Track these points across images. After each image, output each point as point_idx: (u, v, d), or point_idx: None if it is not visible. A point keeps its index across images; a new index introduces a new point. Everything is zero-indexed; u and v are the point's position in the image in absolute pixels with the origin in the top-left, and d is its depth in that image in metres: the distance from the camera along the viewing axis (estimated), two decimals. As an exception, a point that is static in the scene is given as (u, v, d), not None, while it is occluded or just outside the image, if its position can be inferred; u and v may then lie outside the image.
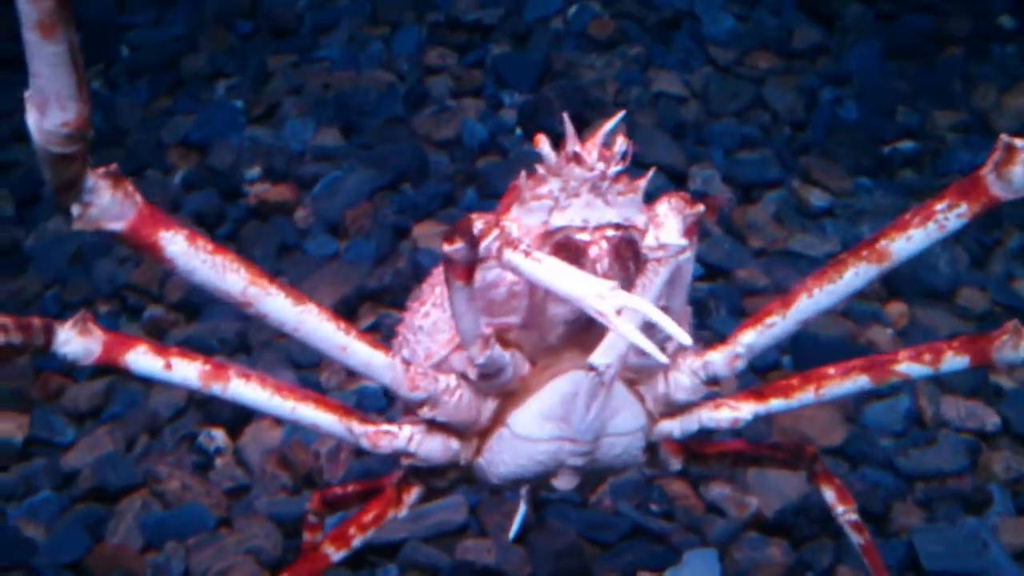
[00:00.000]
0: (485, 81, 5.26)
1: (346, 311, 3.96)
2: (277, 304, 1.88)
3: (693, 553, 3.06)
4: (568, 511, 3.19)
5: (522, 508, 2.90)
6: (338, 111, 5.05)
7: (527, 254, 1.76)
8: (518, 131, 5.00)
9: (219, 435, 3.47)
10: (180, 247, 1.78)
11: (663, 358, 1.77)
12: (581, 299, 1.73)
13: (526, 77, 5.26)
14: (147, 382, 3.09)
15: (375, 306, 3.99)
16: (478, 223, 1.79)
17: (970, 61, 5.33)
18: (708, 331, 3.74)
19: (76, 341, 1.92)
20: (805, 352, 3.66)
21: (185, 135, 4.97)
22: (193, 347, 3.79)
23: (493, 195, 4.48)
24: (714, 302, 3.93)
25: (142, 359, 1.96)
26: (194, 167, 4.81)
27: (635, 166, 4.82)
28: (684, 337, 1.74)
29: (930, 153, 4.82)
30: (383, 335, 3.80)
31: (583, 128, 4.90)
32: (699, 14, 5.60)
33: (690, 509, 3.23)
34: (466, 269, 1.87)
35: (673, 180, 4.60)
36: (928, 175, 4.72)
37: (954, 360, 2.17)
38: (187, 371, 1.97)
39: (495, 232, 1.78)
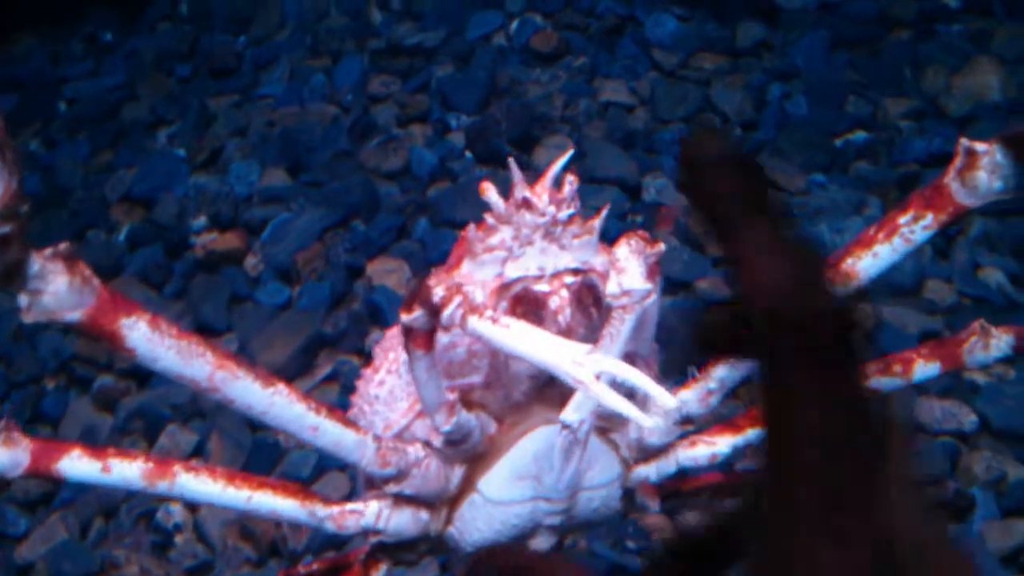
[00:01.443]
0: (431, 105, 5.17)
1: (303, 361, 3.87)
2: (245, 388, 1.78)
3: (677, 588, 2.98)
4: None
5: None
6: (284, 149, 4.94)
7: (494, 321, 1.68)
8: (467, 154, 4.92)
9: (176, 510, 3.37)
10: (143, 334, 1.67)
11: (648, 422, 1.69)
12: (556, 367, 1.65)
13: (472, 98, 5.18)
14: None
15: (332, 353, 3.90)
16: (438, 290, 1.70)
17: (917, 44, 5.30)
18: (675, 349, 3.66)
19: (0, 453, 1.82)
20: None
21: (128, 189, 4.83)
22: (146, 416, 3.74)
23: (446, 223, 4.40)
24: (677, 318, 3.86)
25: (77, 464, 1.86)
26: (138, 222, 4.69)
27: (588, 182, 4.79)
28: (667, 399, 1.67)
29: (884, 143, 4.77)
30: (342, 383, 3.71)
31: (532, 147, 4.83)
32: (641, 18, 5.55)
33: (668, 541, 3.15)
34: (426, 337, 1.79)
35: (626, 193, 4.54)
36: (883, 165, 4.68)
37: (925, 368, 2.11)
38: (128, 472, 1.87)
39: (457, 299, 1.69)
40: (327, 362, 3.92)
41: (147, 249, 4.51)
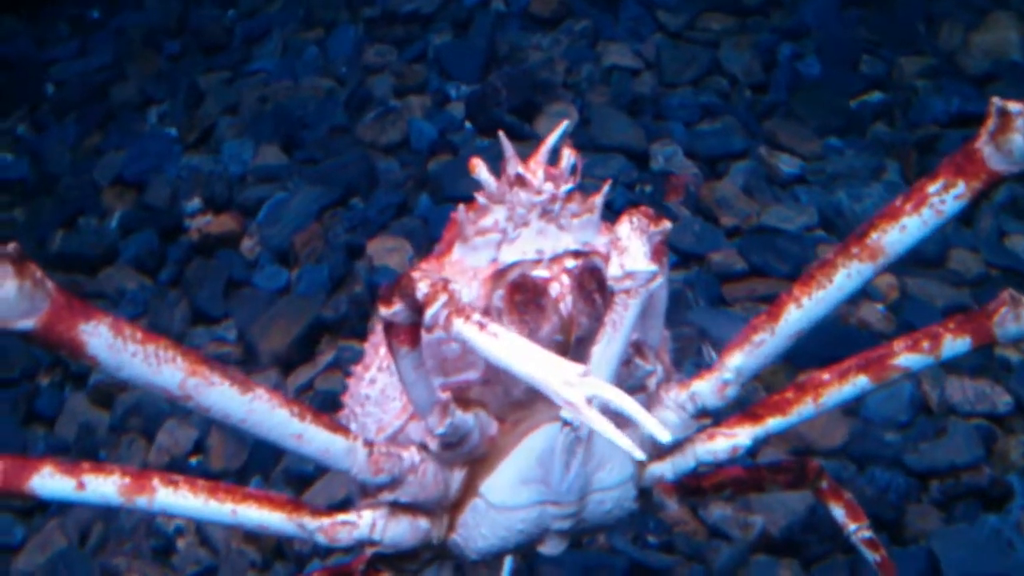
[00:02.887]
0: (428, 75, 5.00)
1: (304, 348, 3.73)
2: (222, 395, 1.62)
3: (699, 587, 2.87)
4: (560, 555, 2.97)
5: (508, 560, 2.69)
6: (277, 126, 4.78)
7: (481, 327, 1.51)
8: (468, 125, 4.76)
9: (177, 513, 3.24)
10: (104, 340, 1.51)
11: (640, 455, 1.53)
12: (546, 387, 1.48)
13: (471, 66, 5.01)
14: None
15: (334, 338, 3.76)
16: (421, 286, 1.54)
17: (931, 0, 5.11)
18: (690, 327, 3.52)
19: (-33, 473, 1.68)
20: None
21: (119, 172, 4.68)
22: (144, 412, 3.61)
23: (448, 199, 4.24)
24: (691, 292, 3.71)
25: (49, 482, 1.71)
26: (131, 207, 4.53)
27: (593, 151, 4.62)
28: (661, 433, 1.50)
29: (900, 104, 4.59)
30: (345, 371, 3.57)
31: (535, 116, 4.67)
32: (644, -23, 5.36)
33: (691, 535, 3.02)
34: (410, 332, 1.63)
35: (634, 161, 4.37)
36: (901, 128, 4.50)
37: (955, 344, 1.93)
38: (104, 487, 1.73)
39: (442, 298, 1.53)
40: (329, 348, 3.78)
41: (140, 234, 4.36)
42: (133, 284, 4.14)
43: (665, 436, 1.50)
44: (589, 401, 1.48)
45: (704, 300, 3.69)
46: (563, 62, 4.95)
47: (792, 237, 3.82)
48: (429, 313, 1.53)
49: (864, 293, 3.70)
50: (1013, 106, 1.65)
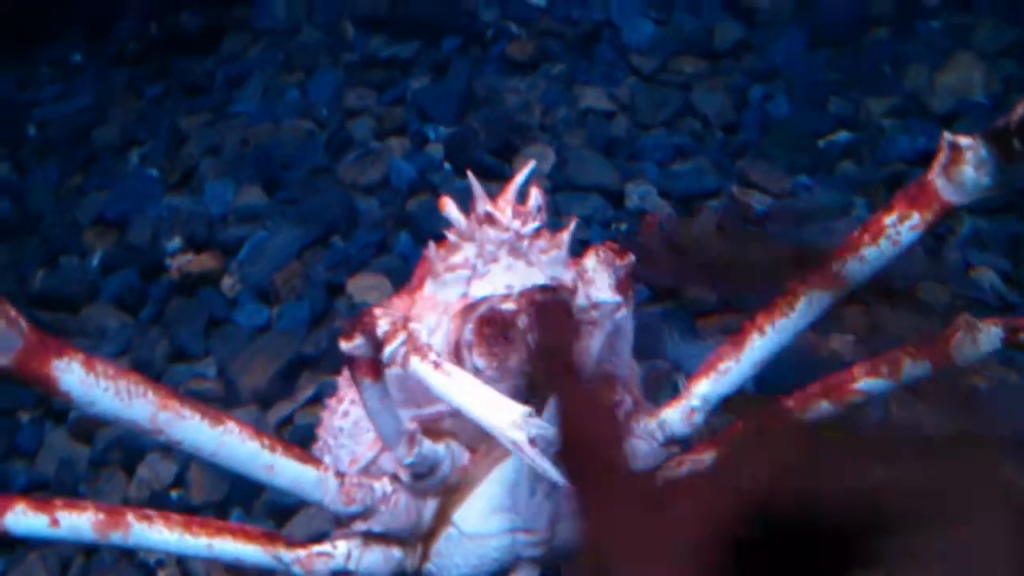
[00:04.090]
0: (408, 117, 5.09)
1: (284, 384, 3.77)
2: (192, 428, 1.68)
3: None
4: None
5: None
6: (258, 167, 4.85)
7: (436, 366, 1.58)
8: (447, 166, 4.83)
9: (158, 546, 3.26)
10: (77, 376, 1.58)
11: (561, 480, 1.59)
12: (492, 427, 1.55)
13: (449, 109, 5.10)
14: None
15: (314, 374, 3.80)
16: (382, 323, 1.61)
17: (896, 42, 5.24)
18: (664, 361, 3.58)
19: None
20: (766, 370, 3.51)
21: (101, 212, 4.73)
22: (124, 446, 3.64)
23: (428, 237, 4.27)
24: (666, 327, 3.78)
25: (23, 520, 1.76)
26: (112, 246, 4.59)
27: (570, 190, 4.71)
28: (556, 478, 1.55)
29: (867, 142, 4.70)
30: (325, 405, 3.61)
31: (512, 156, 4.75)
32: (617, 23, 5.48)
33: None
34: (371, 365, 1.69)
35: (610, 200, 4.46)
36: (868, 165, 4.61)
37: (914, 367, 2.02)
38: (78, 524, 1.77)
39: (401, 337, 1.60)
40: (309, 384, 3.82)
41: (121, 273, 4.41)
42: (114, 322, 4.18)
43: (559, 480, 1.55)
44: (533, 441, 1.53)
45: (678, 334, 3.76)
46: (540, 105, 5.05)
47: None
48: (388, 350, 1.59)
49: (834, 323, 3.78)
50: (963, 140, 1.73)
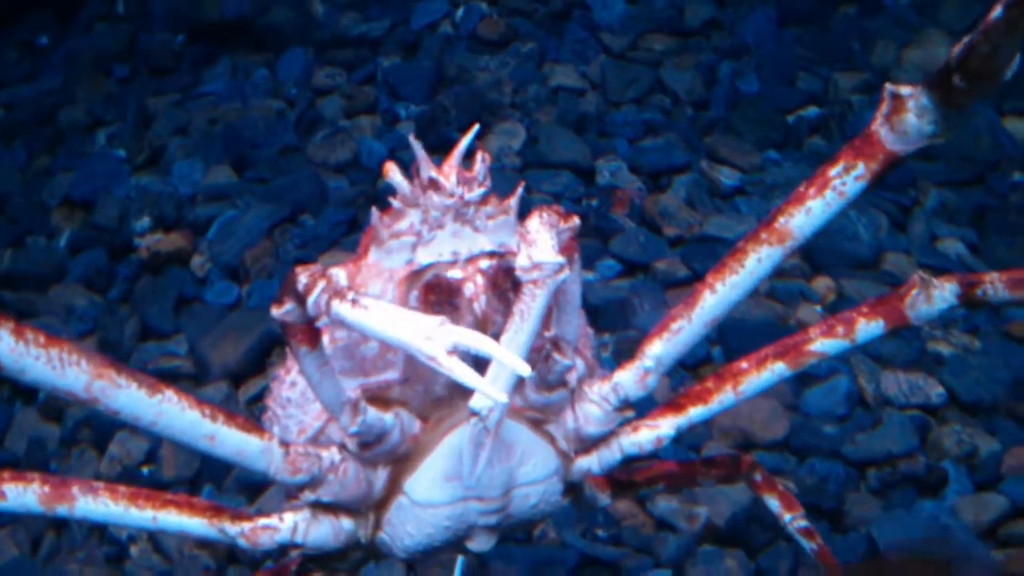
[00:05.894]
0: (378, 96, 5.08)
1: (255, 361, 3.77)
2: (129, 397, 1.65)
3: (648, 577, 2.93)
4: (512, 550, 3.03)
5: (460, 557, 2.72)
6: (227, 146, 4.83)
7: (354, 303, 1.56)
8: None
9: (130, 519, 3.25)
10: (6, 344, 1.53)
11: (503, 397, 1.58)
12: (408, 344, 1.53)
13: (420, 87, 5.08)
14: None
15: (285, 350, 3.79)
16: (302, 277, 1.59)
17: (864, 18, 5.25)
18: (636, 331, 3.60)
19: None
20: (733, 341, 3.54)
21: (68, 193, 4.70)
22: (94, 425, 3.62)
23: (398, 216, 4.30)
24: (637, 299, 3.79)
25: (-33, 491, 1.74)
26: (80, 226, 4.56)
27: (541, 167, 4.71)
28: (523, 368, 1.56)
29: (836, 118, 4.72)
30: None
31: (483, 134, 4.74)
32: (588, 2, 5.47)
33: (639, 528, 3.09)
34: (307, 332, 1.67)
35: (580, 177, 4.47)
36: (836, 140, 4.62)
37: (869, 327, 1.98)
38: (24, 497, 1.76)
39: (320, 284, 1.57)
40: (280, 360, 3.81)
41: (89, 253, 4.39)
42: (82, 301, 4.16)
43: (526, 370, 1.56)
44: (454, 353, 1.53)
45: (649, 306, 3.78)
46: (510, 83, 5.04)
47: (732, 244, 3.92)
48: (310, 301, 1.57)
49: (802, 295, 3.80)
50: (904, 89, 1.73)
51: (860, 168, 1.77)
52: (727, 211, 4.26)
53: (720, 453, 2.97)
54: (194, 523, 1.83)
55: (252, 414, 3.50)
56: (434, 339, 1.53)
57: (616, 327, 3.72)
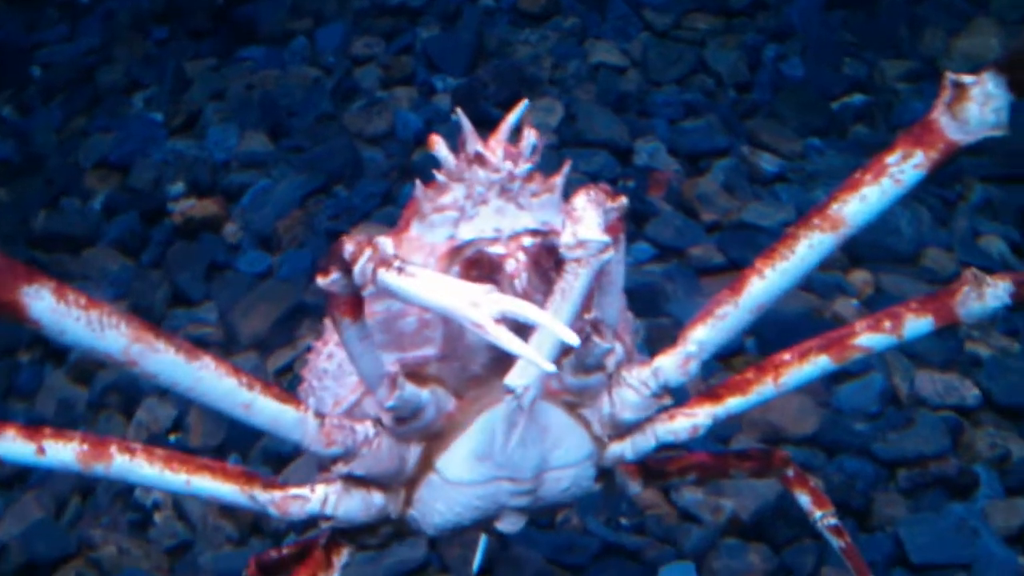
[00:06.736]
0: (416, 67, 5.03)
1: (284, 331, 3.75)
2: (167, 362, 1.62)
3: (669, 568, 2.89)
4: (534, 534, 3.00)
5: (483, 538, 2.70)
6: (264, 113, 4.80)
7: (400, 271, 1.53)
8: (454, 117, 4.77)
9: (155, 487, 3.25)
10: (48, 304, 1.50)
11: (550, 366, 1.55)
12: (454, 310, 1.50)
13: (458, 60, 5.03)
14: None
15: (315, 323, 3.77)
16: (348, 246, 1.56)
17: (913, 4, 5.14)
18: (667, 317, 3.55)
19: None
20: (768, 332, 3.48)
21: (104, 155, 4.70)
22: (123, 389, 3.62)
23: (433, 189, 4.26)
24: (670, 285, 3.74)
25: (11, 446, 1.73)
26: (114, 189, 4.55)
27: (578, 145, 4.65)
28: (571, 337, 1.53)
29: (881, 106, 4.63)
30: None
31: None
32: (632, -22, 5.39)
33: (663, 518, 3.05)
34: (351, 303, 1.64)
35: (617, 157, 4.41)
36: (881, 129, 4.54)
37: (917, 323, 1.93)
38: (63, 454, 1.75)
39: (367, 253, 1.54)
40: (310, 332, 3.79)
41: (123, 216, 4.38)
42: (115, 265, 4.16)
43: (574, 339, 1.53)
44: (499, 321, 1.50)
45: (682, 292, 3.73)
46: (550, 58, 4.98)
47: (771, 233, 3.84)
48: (356, 268, 1.54)
49: (838, 288, 3.73)
50: (967, 78, 1.68)
51: (919, 156, 1.72)
52: (766, 198, 4.19)
53: (752, 447, 2.94)
54: (226, 488, 1.82)
55: (280, 385, 3.49)
56: (481, 306, 1.50)
57: (647, 313, 3.67)
